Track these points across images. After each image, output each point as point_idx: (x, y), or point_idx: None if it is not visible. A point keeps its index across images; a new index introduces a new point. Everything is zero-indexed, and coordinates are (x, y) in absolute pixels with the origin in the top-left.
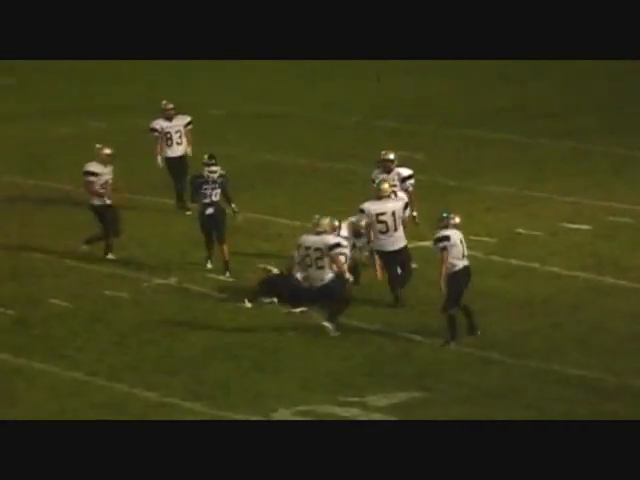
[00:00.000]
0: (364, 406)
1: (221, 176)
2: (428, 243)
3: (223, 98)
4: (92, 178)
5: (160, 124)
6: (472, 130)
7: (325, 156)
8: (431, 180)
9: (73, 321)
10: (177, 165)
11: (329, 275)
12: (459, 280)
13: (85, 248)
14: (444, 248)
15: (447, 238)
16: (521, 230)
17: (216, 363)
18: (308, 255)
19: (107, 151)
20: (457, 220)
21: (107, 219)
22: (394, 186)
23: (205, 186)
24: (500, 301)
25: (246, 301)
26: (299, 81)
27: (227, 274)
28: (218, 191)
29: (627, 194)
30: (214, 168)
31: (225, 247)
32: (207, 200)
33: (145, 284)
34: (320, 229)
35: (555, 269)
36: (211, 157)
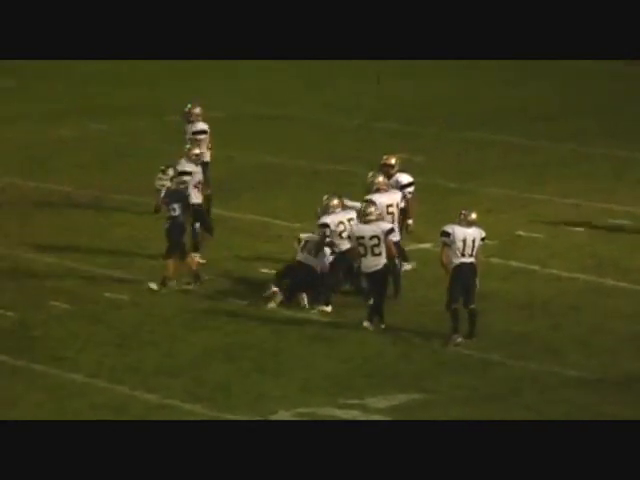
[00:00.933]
0: (364, 408)
1: (177, 191)
2: (427, 245)
3: (223, 99)
4: (188, 178)
5: (185, 127)
6: (473, 132)
7: (326, 158)
8: (431, 182)
9: (73, 323)
10: None
11: (383, 261)
12: (456, 277)
13: (199, 259)
14: (443, 243)
15: (446, 234)
16: (521, 232)
17: (216, 364)
18: (362, 244)
19: (196, 151)
20: (472, 217)
21: (203, 217)
22: None
23: (164, 198)
24: (500, 303)
25: (272, 295)
26: (299, 82)
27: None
28: (175, 206)
29: (627, 196)
30: (160, 175)
31: (180, 262)
32: (168, 214)
33: (146, 286)
34: (372, 217)
35: (555, 271)
36: (167, 167)
